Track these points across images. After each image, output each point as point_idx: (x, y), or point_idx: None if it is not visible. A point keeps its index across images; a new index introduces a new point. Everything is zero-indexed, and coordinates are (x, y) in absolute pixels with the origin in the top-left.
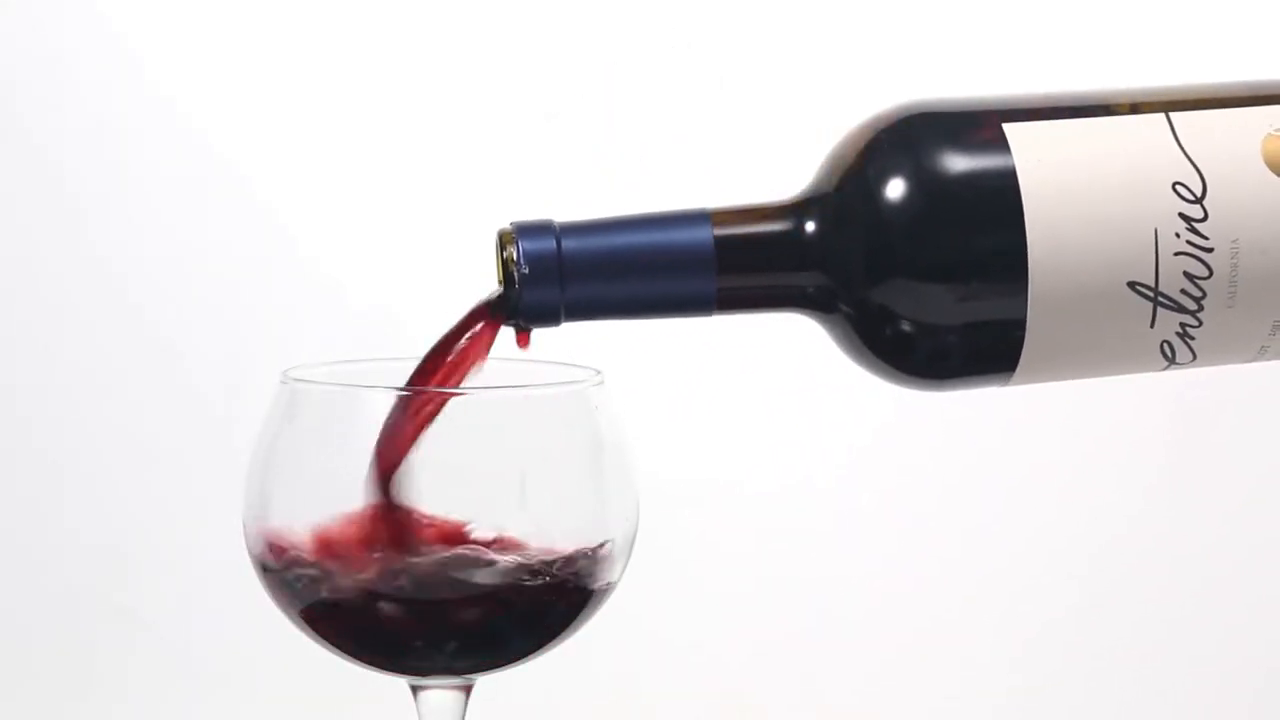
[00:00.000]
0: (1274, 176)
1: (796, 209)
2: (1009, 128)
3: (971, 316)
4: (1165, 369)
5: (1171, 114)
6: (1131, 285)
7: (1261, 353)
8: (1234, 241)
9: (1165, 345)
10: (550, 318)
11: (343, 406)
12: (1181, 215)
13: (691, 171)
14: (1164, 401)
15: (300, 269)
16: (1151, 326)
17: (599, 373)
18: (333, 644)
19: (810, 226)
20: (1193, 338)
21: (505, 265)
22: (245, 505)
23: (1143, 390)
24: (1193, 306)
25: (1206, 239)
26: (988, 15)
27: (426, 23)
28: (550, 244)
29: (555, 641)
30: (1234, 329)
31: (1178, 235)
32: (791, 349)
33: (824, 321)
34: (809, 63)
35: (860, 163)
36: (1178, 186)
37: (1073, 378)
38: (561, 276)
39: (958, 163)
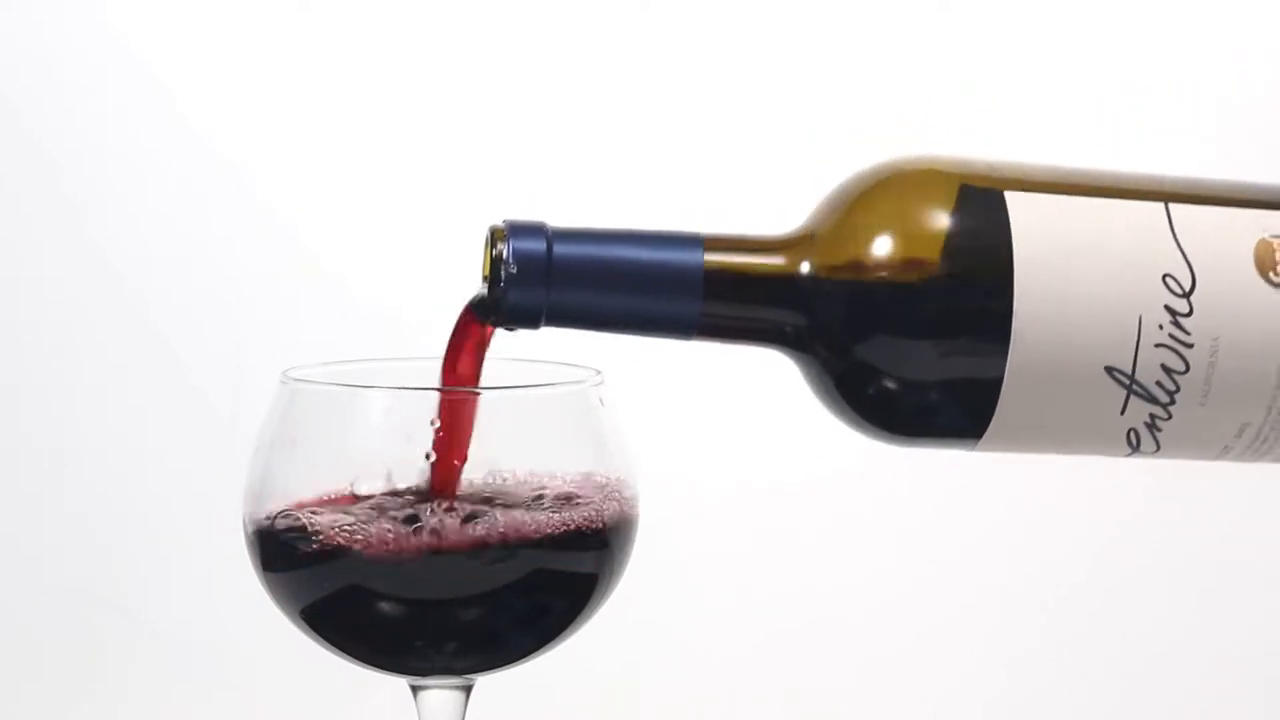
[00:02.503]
0: (1261, 281)
1: (789, 245)
2: (1010, 196)
3: (948, 374)
4: (1128, 455)
5: (1171, 204)
6: (1109, 370)
7: (1224, 452)
8: (1215, 340)
9: (1132, 433)
10: (530, 320)
11: (343, 406)
12: (1167, 307)
13: (690, 191)
14: None
15: (301, 269)
16: (1122, 413)
17: (599, 372)
18: (333, 644)
19: (802, 266)
20: (1160, 429)
21: (494, 262)
22: (245, 504)
23: None
24: (1165, 399)
25: (1188, 334)
26: (1002, 74)
27: (429, 22)
28: (541, 246)
29: (555, 640)
30: (1202, 426)
31: (1160, 327)
32: None
33: (798, 360)
34: (823, 88)
35: (857, 209)
36: (1167, 278)
37: (1036, 451)
38: (548, 280)
39: (954, 222)
